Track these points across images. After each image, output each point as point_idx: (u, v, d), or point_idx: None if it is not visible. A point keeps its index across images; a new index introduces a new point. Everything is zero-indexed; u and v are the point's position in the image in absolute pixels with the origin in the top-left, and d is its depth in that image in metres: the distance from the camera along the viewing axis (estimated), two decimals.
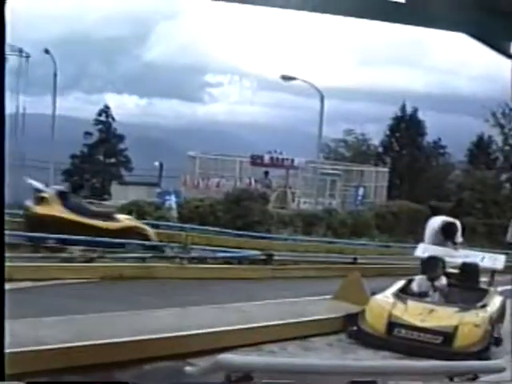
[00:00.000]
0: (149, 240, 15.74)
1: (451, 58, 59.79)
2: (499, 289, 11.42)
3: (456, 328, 8.96)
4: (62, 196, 15.67)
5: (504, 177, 41.02)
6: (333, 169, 33.77)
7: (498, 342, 9.21)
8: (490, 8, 6.61)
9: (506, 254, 19.75)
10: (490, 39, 7.26)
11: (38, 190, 15.65)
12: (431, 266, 10.62)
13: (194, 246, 15.59)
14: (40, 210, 15.12)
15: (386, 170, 36.19)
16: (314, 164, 31.62)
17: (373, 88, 56.49)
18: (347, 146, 43.85)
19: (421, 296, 10.12)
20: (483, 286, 10.91)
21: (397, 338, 8.98)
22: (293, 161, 31.79)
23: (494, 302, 10.28)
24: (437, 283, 10.43)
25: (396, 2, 6.69)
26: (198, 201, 22.84)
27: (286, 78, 30.85)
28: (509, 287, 14.47)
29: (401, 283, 10.60)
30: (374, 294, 10.10)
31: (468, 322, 9.08)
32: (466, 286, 10.63)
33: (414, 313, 9.31)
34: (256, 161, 31.23)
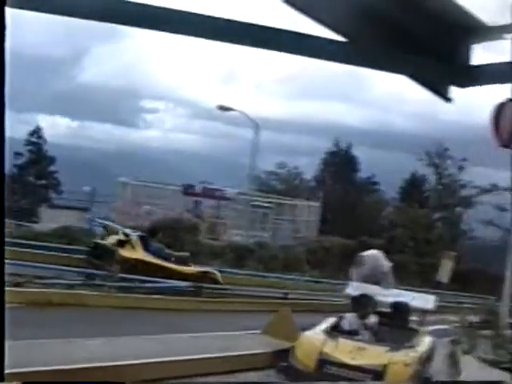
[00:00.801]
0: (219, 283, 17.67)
1: (388, 94, 61.62)
2: (430, 328, 11.71)
3: (386, 367, 9.11)
4: (143, 240, 17.65)
5: (436, 216, 42.30)
6: (264, 201, 34.06)
7: (427, 382, 9.44)
8: (430, 52, 6.95)
9: (437, 293, 20.34)
10: (429, 82, 7.61)
11: (125, 234, 17.77)
12: (362, 304, 10.80)
13: (125, 275, 15.52)
14: (125, 253, 17.00)
15: (317, 204, 36.72)
16: (245, 196, 31.84)
17: (307, 121, 57.57)
18: (279, 179, 44.36)
19: (351, 334, 10.26)
20: (414, 325, 11.17)
21: (327, 375, 9.07)
22: (224, 191, 31.97)
23: (424, 342, 10.53)
24: (367, 321, 10.60)
25: (339, 42, 6.97)
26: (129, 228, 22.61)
27: (222, 108, 31.25)
28: (439, 327, 14.90)
29: (331, 320, 10.73)
30: (304, 330, 10.20)
31: (398, 362, 9.25)
32: (397, 326, 10.84)
33: (345, 350, 9.43)
34: (188, 190, 31.27)
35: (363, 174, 46.07)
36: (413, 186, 44.79)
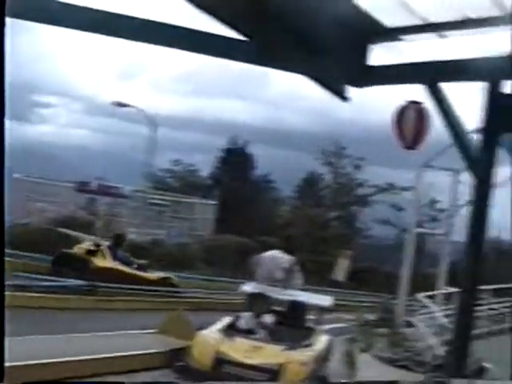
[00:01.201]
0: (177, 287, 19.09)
1: (285, 92, 62.32)
2: (326, 327, 12.07)
3: (282, 366, 9.30)
4: (111, 249, 18.71)
5: (332, 215, 43.30)
6: (161, 199, 33.92)
7: (323, 380, 9.73)
8: (328, 52, 7.21)
9: (333, 291, 20.95)
10: (326, 81, 7.88)
11: (96, 244, 18.72)
12: (258, 302, 10.98)
13: (21, 274, 15.35)
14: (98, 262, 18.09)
15: (214, 202, 36.87)
16: (141, 193, 31.64)
17: (204, 118, 57.45)
18: (175, 177, 44.22)
19: (248, 333, 10.41)
20: (310, 324, 11.47)
21: (223, 375, 9.20)
22: (120, 189, 31.62)
23: (321, 341, 10.83)
24: (264, 320, 10.79)
25: (238, 40, 7.14)
26: (21, 225, 22.14)
27: (118, 104, 31.03)
28: (335, 325, 15.36)
29: (228, 319, 10.85)
30: (200, 329, 10.30)
31: (294, 361, 9.47)
32: (294, 324, 11.08)
33: (241, 349, 9.57)
34: (82, 187, 30.71)
35: (260, 171, 46.61)
36: (309, 185, 45.60)
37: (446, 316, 15.07)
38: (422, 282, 28.76)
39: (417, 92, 8.56)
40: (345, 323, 16.69)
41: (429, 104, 8.37)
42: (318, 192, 45.35)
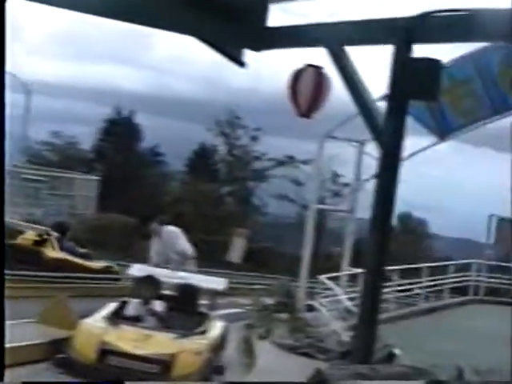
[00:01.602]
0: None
1: (173, 56, 61.70)
2: (221, 312, 12.16)
3: (174, 356, 9.29)
4: (59, 239, 19.45)
5: (227, 190, 43.47)
6: (37, 174, 33.08)
7: (219, 370, 9.80)
8: (222, 13, 7.18)
9: (228, 274, 21.07)
10: (220, 44, 7.85)
11: (47, 233, 19.52)
12: (146, 287, 10.92)
13: None
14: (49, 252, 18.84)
15: (96, 178, 36.30)
16: (15, 168, 30.77)
17: (85, 85, 56.01)
18: (54, 150, 43.09)
19: (136, 320, 10.34)
20: (204, 309, 11.52)
21: (110, 367, 9.10)
22: None
23: (216, 328, 10.90)
24: (153, 306, 10.75)
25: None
26: None
27: None
28: (231, 310, 15.48)
29: (113, 306, 10.74)
30: (83, 317, 10.16)
31: (187, 350, 9.48)
32: (186, 310, 11.09)
33: (128, 339, 9.49)
34: None
35: (147, 144, 46.12)
36: (201, 158, 45.50)
37: (351, 299, 15.46)
38: (325, 262, 29.47)
39: (320, 57, 8.66)
40: (241, 308, 16.86)
41: (331, 69, 8.48)
42: (210, 166, 45.32)
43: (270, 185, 43.21)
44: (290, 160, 42.49)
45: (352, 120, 16.11)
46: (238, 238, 25.76)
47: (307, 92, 9.52)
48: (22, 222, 21.93)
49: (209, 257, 28.80)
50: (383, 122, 6.96)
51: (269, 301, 16.65)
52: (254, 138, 43.42)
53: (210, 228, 36.24)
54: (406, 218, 49.27)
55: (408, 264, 21.08)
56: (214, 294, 11.77)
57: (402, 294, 20.98)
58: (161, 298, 10.91)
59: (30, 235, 19.42)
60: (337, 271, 18.51)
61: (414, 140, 17.32)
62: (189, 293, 11.28)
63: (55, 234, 19.57)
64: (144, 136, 45.21)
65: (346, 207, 19.35)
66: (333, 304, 15.77)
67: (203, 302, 11.66)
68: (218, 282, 11.89)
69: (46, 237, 19.24)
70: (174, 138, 48.79)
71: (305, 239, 17.58)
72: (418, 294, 20.63)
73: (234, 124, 43.64)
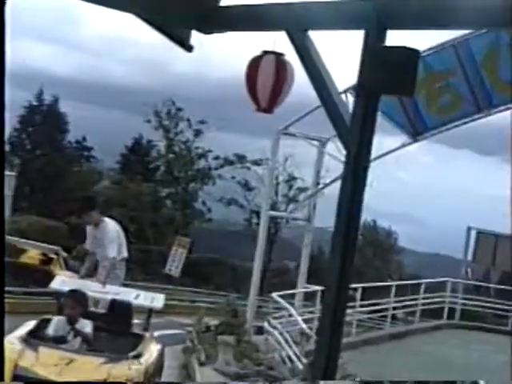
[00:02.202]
0: None
1: (106, 38, 61.47)
2: (158, 333, 12.13)
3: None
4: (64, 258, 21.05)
5: (165, 192, 43.27)
6: None
7: None
8: None
9: (166, 289, 21.03)
10: (164, 24, 7.87)
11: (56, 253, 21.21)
12: (71, 302, 10.83)
13: None
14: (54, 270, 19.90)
15: (12, 174, 35.89)
16: None
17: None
18: None
19: (57, 342, 10.24)
20: (138, 330, 11.49)
21: None
22: None
23: (151, 351, 10.86)
24: (78, 326, 10.67)
25: None
26: None
27: None
28: (167, 332, 15.46)
29: (31, 324, 10.63)
30: None
31: (118, 376, 9.40)
32: (117, 331, 11.03)
33: (48, 363, 9.38)
34: None
35: (72, 136, 45.76)
36: (136, 155, 45.31)
37: (307, 320, 15.55)
38: (278, 277, 29.61)
39: (280, 42, 8.70)
40: (181, 329, 16.86)
41: (291, 56, 8.52)
42: (147, 164, 45.10)
43: (216, 187, 43.18)
44: (239, 159, 42.48)
45: (312, 115, 16.24)
46: (179, 247, 25.72)
47: (267, 83, 9.54)
48: (24, 240, 23.53)
49: (144, 269, 28.79)
50: (349, 118, 7.02)
51: (212, 321, 16.67)
52: (198, 133, 43.32)
53: (146, 236, 36.16)
54: (371, 228, 49.77)
55: (374, 282, 21.28)
56: (149, 311, 11.74)
57: (367, 315, 21.16)
58: (88, 315, 10.84)
59: (34, 254, 21.21)
60: (291, 288, 18.60)
61: (384, 139, 17.50)
62: (121, 310, 11.22)
63: (64, 253, 21.49)
64: (69, 127, 44.91)
65: (302, 215, 19.47)
66: (286, 326, 15.83)
67: (137, 320, 11.63)
68: (154, 299, 11.86)
69: (52, 256, 21.03)
70: (104, 130, 48.60)
71: (256, 251, 17.65)
72: (384, 316, 20.79)
73: (175, 116, 43.49)
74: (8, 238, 22.69)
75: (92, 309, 11.54)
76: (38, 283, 18.44)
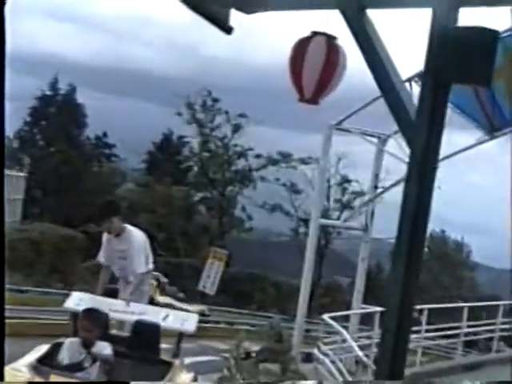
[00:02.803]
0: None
1: (129, 16, 61.39)
2: (188, 360, 12.15)
3: None
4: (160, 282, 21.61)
5: (199, 196, 43.19)
6: None
7: None
8: None
9: (201, 310, 21.21)
10: (200, 3, 7.91)
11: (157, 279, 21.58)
12: (87, 324, 10.88)
13: None
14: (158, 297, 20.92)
15: (22, 174, 36.28)
16: None
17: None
18: None
19: (72, 369, 10.31)
20: (166, 356, 11.51)
21: None
22: None
23: (182, 381, 10.90)
24: (96, 350, 10.73)
25: None
26: None
27: None
28: (200, 358, 15.49)
29: (42, 349, 10.69)
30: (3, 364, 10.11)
31: None
32: (142, 357, 11.07)
33: None
34: None
35: (92, 131, 45.91)
36: (165, 153, 45.27)
37: (364, 347, 15.48)
38: (329, 296, 29.57)
39: (332, 23, 8.67)
40: (216, 355, 16.86)
41: (345, 39, 8.49)
42: (178, 164, 45.07)
43: (258, 191, 43.05)
44: (284, 158, 42.33)
45: (370, 108, 16.18)
46: (214, 260, 25.77)
47: (315, 69, 9.51)
48: None
49: (174, 284, 29.00)
50: (414, 111, 6.99)
51: (253, 346, 16.67)
52: (237, 128, 43.24)
53: (176, 246, 36.27)
54: (439, 239, 49.30)
55: (442, 302, 21.09)
56: (180, 335, 11.77)
57: (434, 342, 20.99)
58: (108, 338, 10.88)
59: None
60: (345, 309, 18.53)
61: (455, 136, 17.36)
62: (147, 333, 11.25)
63: (164, 279, 22.61)
64: (88, 120, 45.02)
65: (358, 224, 19.41)
66: (339, 353, 15.80)
67: (165, 345, 11.67)
68: (187, 320, 11.88)
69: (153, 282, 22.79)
70: (128, 125, 48.62)
71: (304, 265, 17.64)
72: (455, 342, 20.61)
73: (210, 108, 43.47)
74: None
75: (114, 331, 11.59)
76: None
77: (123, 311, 11.87)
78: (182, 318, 12.13)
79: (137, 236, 13.07)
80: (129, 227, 13.17)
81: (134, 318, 11.73)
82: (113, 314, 11.51)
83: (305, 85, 9.76)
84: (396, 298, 6.84)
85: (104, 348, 10.69)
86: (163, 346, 11.74)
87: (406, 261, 6.78)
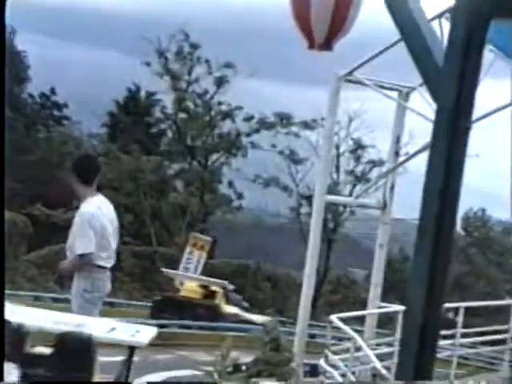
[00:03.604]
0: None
1: None
2: (163, 376, 12.21)
3: None
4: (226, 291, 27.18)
5: (174, 169, 42.87)
6: None
7: None
8: None
9: (265, 321, 21.48)
10: None
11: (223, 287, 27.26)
12: (13, 340, 10.88)
13: None
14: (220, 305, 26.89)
15: None
16: None
17: None
18: None
19: None
20: (112, 373, 11.50)
21: None
22: None
23: None
24: (14, 369, 10.70)
25: None
26: None
27: None
28: (178, 373, 15.55)
29: None
30: None
31: None
32: (65, 378, 11.05)
33: None
34: None
35: (36, 87, 45.69)
36: (131, 114, 45.02)
37: (383, 356, 15.54)
38: (339, 293, 29.76)
39: None
40: (196, 368, 16.93)
41: None
42: (147, 127, 44.83)
43: (249, 161, 42.78)
44: (281, 120, 41.94)
45: (389, 54, 16.15)
46: (194, 249, 25.85)
47: (327, 7, 9.55)
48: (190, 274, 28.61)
49: (143, 282, 29.20)
50: (443, 56, 6.98)
51: (244, 357, 16.71)
52: (222, 81, 42.85)
53: (147, 232, 36.30)
54: (479, 220, 48.99)
55: (485, 299, 21.03)
56: (130, 350, 11.72)
57: (474, 350, 21.01)
58: (26, 358, 10.77)
59: (192, 287, 26.84)
60: (360, 308, 18.54)
61: (495, 88, 17.28)
62: (74, 349, 11.13)
63: (230, 286, 27.38)
64: (31, 73, 44.82)
65: (375, 201, 19.36)
66: (352, 364, 15.83)
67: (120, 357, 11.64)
68: (140, 332, 11.82)
69: (214, 289, 26.94)
70: (83, 78, 48.52)
71: (307, 254, 17.62)
72: (501, 350, 20.44)
73: (187, 56, 43.10)
74: (167, 271, 28.52)
75: (39, 348, 11.51)
76: (200, 318, 24.18)
77: (54, 321, 11.83)
78: (134, 330, 12.11)
79: (88, 205, 12.85)
80: (95, 197, 13.04)
81: (68, 328, 11.66)
82: (36, 325, 11.44)
83: (314, 28, 9.76)
84: (419, 294, 6.83)
85: (9, 372, 10.66)
86: (118, 358, 11.72)
87: (433, 247, 6.76)
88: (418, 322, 6.80)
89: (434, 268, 6.72)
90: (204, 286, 26.94)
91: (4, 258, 4.42)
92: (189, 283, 27.29)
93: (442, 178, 6.68)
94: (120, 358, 11.33)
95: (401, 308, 15.02)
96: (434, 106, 7.03)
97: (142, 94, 45.35)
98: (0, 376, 4.32)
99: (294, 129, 42.26)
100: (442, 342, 16.61)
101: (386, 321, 17.80)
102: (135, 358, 11.82)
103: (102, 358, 11.13)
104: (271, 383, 15.62)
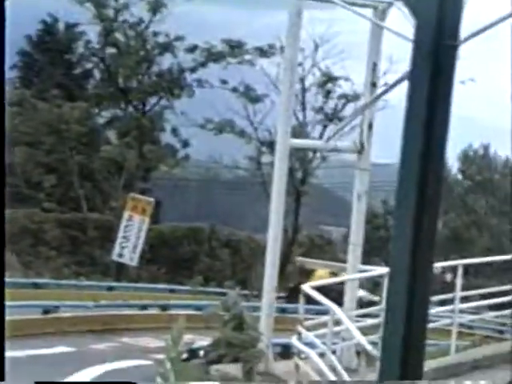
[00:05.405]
0: None
1: None
2: (101, 370, 12.27)
3: None
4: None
5: (105, 116, 42.86)
6: None
7: None
8: None
9: (111, 287, 21.40)
10: None
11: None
12: None
13: None
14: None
15: None
16: None
17: None
18: None
19: None
20: None
21: None
22: None
23: None
24: None
25: None
26: None
27: None
28: (122, 364, 15.67)
29: None
30: None
31: None
32: None
33: None
34: None
35: None
36: (48, 52, 44.71)
37: (367, 329, 15.64)
38: (312, 255, 30.33)
39: None
40: (144, 358, 17.03)
41: None
42: (69, 67, 44.62)
43: (196, 102, 42.81)
44: (232, 49, 41.97)
45: None
46: (134, 214, 25.89)
47: None
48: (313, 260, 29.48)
49: (72, 255, 29.24)
50: None
51: (200, 340, 16.79)
52: (159, 6, 42.53)
53: (74, 195, 36.27)
54: (480, 159, 48.83)
55: (488, 255, 21.11)
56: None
57: (476, 316, 21.14)
58: None
59: (323, 273, 28.14)
60: (336, 274, 18.63)
61: None
62: None
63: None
64: None
65: (350, 144, 19.40)
66: (331, 340, 15.87)
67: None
68: None
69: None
70: None
71: (270, 211, 17.68)
72: (502, 315, 20.59)
73: None
74: (302, 259, 29.58)
75: None
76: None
77: None
78: None
79: None
80: None
81: None
82: None
83: None
84: (404, 252, 6.85)
85: None
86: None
87: (417, 193, 6.78)
88: (404, 286, 6.83)
89: (420, 220, 6.74)
90: (333, 273, 27.87)
91: (4, 257, 4.95)
92: (319, 270, 28.38)
93: (425, 108, 6.69)
94: None
95: (385, 270, 15.02)
96: (414, 22, 7.04)
97: (61, 25, 44.89)
98: (0, 376, 4.43)
99: (248, 57, 41.90)
100: (438, 309, 16.77)
101: (370, 287, 17.94)
102: (68, 349, 11.96)
103: None
104: (235, 369, 15.71)
